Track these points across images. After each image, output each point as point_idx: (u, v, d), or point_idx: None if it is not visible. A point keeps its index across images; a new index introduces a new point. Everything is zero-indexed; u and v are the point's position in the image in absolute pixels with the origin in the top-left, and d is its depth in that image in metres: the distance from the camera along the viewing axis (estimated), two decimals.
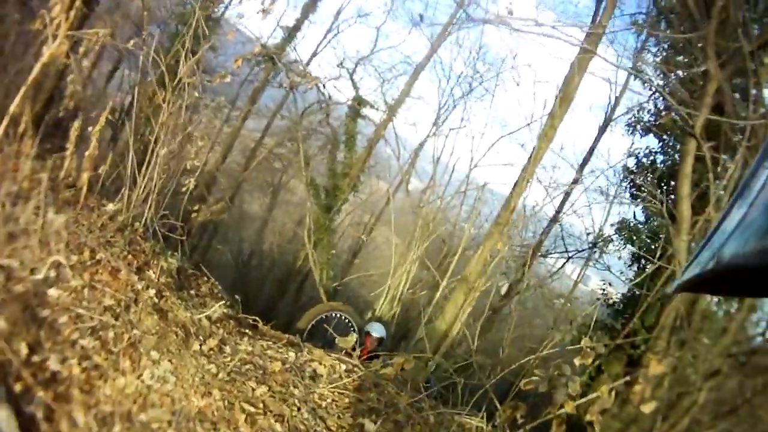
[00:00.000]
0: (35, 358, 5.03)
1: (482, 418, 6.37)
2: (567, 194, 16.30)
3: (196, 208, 12.34)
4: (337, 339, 7.52)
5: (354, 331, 8.75)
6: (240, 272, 17.67)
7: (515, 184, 8.51)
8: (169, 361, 5.61)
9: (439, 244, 14.54)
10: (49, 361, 5.07)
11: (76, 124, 6.87)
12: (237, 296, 7.67)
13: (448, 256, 14.03)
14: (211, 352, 6.03)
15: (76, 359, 5.18)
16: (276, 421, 5.32)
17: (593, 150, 17.15)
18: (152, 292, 6.18)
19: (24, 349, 4.98)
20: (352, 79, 17.00)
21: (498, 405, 6.21)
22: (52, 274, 5.69)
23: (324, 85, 15.91)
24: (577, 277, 17.56)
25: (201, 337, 6.17)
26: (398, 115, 16.95)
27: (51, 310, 5.44)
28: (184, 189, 7.64)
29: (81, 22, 6.97)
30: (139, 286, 6.12)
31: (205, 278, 7.73)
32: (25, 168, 6.29)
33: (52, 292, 5.55)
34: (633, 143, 15.21)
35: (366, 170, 17.08)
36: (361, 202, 19.53)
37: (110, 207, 6.96)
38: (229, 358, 5.91)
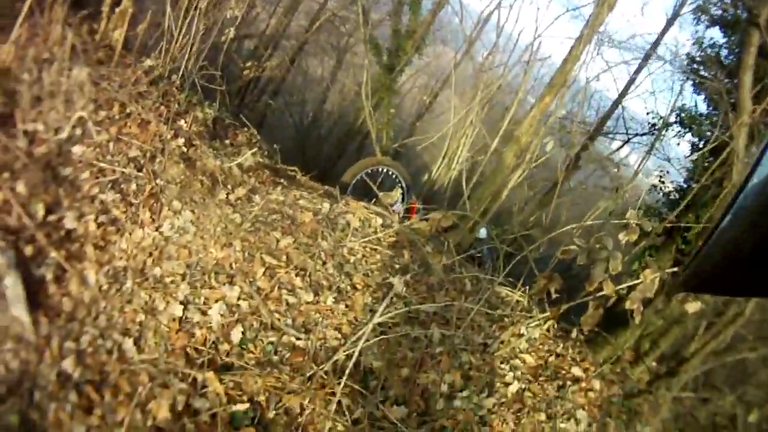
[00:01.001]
0: (51, 218, 4.87)
1: (522, 290, 5.84)
2: (632, 79, 15.40)
3: (248, 64, 11.83)
4: (380, 194, 7.05)
5: (401, 187, 8.17)
6: (300, 133, 17.24)
7: (571, 48, 7.72)
8: (192, 211, 5.31)
9: (502, 113, 13.80)
10: (65, 219, 4.91)
11: None
12: (275, 145, 7.24)
13: (509, 125, 13.44)
14: (238, 201, 5.67)
15: (93, 215, 5.02)
16: (297, 275, 4.94)
17: (659, 40, 15.94)
18: (181, 141, 5.86)
19: (41, 211, 4.82)
20: None
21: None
22: (77, 131, 5.46)
23: None
24: (638, 166, 16.59)
25: (229, 186, 5.82)
26: None
27: (73, 168, 5.24)
28: (223, 39, 7.06)
29: None
30: (168, 136, 5.76)
31: (245, 129, 7.24)
32: (55, 33, 5.84)
33: (76, 150, 5.33)
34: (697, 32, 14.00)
35: (431, 34, 16.15)
36: (425, 65, 18.72)
37: (147, 62, 6.50)
38: (257, 207, 5.47)
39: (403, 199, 7.94)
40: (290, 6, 17.48)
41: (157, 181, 5.39)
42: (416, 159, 17.04)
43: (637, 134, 16.43)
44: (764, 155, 1.07)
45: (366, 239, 5.63)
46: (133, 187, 5.29)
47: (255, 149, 6.72)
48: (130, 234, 4.99)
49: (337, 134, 16.55)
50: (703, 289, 1.56)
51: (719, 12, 12.90)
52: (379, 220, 6.10)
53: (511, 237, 7.62)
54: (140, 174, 5.39)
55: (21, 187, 4.82)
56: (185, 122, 6.11)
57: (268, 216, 5.50)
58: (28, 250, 4.58)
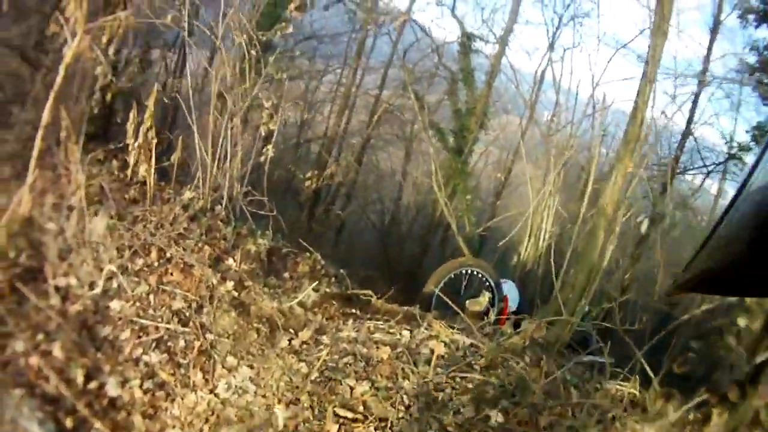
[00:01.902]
0: (92, 385, 4.32)
1: (635, 380, 5.09)
2: (694, 102, 14.30)
3: (309, 175, 11.44)
4: (467, 302, 6.37)
5: (489, 288, 7.44)
6: (380, 234, 16.71)
7: (638, 93, 6.97)
8: (249, 366, 4.71)
9: (578, 173, 13.01)
10: (108, 385, 4.36)
11: (131, 115, 5.97)
12: (342, 270, 6.66)
13: (587, 184, 12.63)
14: (303, 346, 5.04)
15: (138, 380, 4.46)
16: (377, 428, 4.23)
17: (709, 54, 14.54)
18: (230, 284, 5.28)
19: (80, 377, 4.27)
20: (454, 15, 15.64)
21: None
22: (113, 284, 4.94)
23: (428, 27, 14.91)
24: (717, 193, 15.37)
25: (291, 330, 5.18)
26: (510, 45, 15.39)
27: (112, 327, 4.72)
28: (262, 158, 6.58)
29: (105, 11, 6.04)
30: (214, 280, 5.21)
31: (307, 255, 6.67)
32: (75, 175, 5.46)
33: (114, 305, 4.82)
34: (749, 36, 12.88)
35: (491, 106, 15.65)
36: (493, 139, 18.14)
37: (186, 195, 6.05)
38: (325, 352, 4.84)
39: (492, 303, 7.22)
40: (344, 104, 17.36)
41: (207, 335, 4.84)
42: (502, 239, 16.37)
43: (715, 164, 15.19)
44: (764, 156, 1.09)
45: (454, 367, 4.92)
46: (181, 344, 4.76)
47: (318, 280, 6.13)
48: (182, 399, 4.41)
49: (418, 230, 15.95)
50: (703, 289, 1.57)
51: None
52: (467, 340, 5.39)
53: (608, 306, 6.81)
54: (186, 329, 4.86)
55: (57, 351, 4.33)
56: (234, 261, 5.59)
57: (339, 360, 4.86)
58: (69, 422, 4.07)
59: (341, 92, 17.82)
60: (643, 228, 6.56)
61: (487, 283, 7.45)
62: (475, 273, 7.58)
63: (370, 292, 6.37)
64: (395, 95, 16.98)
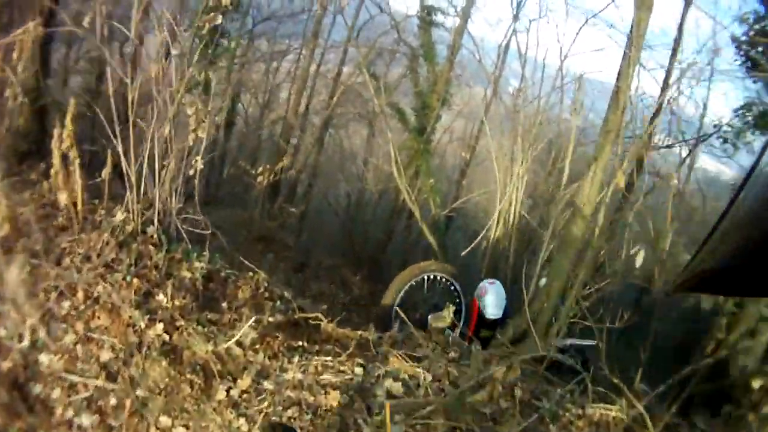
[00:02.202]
0: None
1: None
2: (668, 73, 13.46)
3: (259, 170, 10.64)
4: (429, 317, 5.71)
5: (456, 297, 6.73)
6: (344, 221, 15.94)
7: (619, 76, 6.09)
8: (185, 426, 4.08)
9: (548, 148, 12.31)
10: None
11: (55, 132, 5.19)
12: (286, 293, 5.89)
13: (558, 160, 11.94)
14: (244, 396, 4.37)
15: None
16: None
17: (681, 27, 13.52)
18: (160, 327, 4.62)
19: None
20: None
21: None
22: (40, 334, 4.38)
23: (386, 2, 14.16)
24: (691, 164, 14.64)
25: (229, 376, 4.45)
26: (473, 17, 14.48)
27: (43, 384, 4.18)
28: (192, 171, 5.70)
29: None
30: (143, 323, 4.50)
31: (250, 274, 5.90)
32: None
33: (43, 359, 4.30)
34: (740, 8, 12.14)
35: (454, 80, 14.90)
36: (456, 115, 17.47)
37: (117, 217, 5.26)
38: (267, 403, 4.16)
39: (459, 314, 6.55)
40: (302, 85, 16.65)
41: (138, 391, 4.16)
42: (471, 221, 15.70)
43: (701, 137, 14.44)
44: (763, 156, 1.31)
45: (414, 415, 4.25)
46: (112, 402, 4.15)
47: (261, 306, 5.40)
48: None
49: (382, 214, 15.21)
50: (703, 288, 1.57)
51: None
52: (429, 376, 4.73)
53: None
54: (116, 386, 4.22)
55: None
56: (165, 296, 4.85)
57: (282, 412, 4.20)
58: None
59: (300, 74, 17.03)
60: (639, 260, 5.86)
61: (453, 289, 6.74)
62: (438, 278, 6.87)
63: (319, 315, 5.63)
64: (355, 74, 16.14)
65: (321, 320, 5.63)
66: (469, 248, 8.84)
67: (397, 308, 6.37)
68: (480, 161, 17.26)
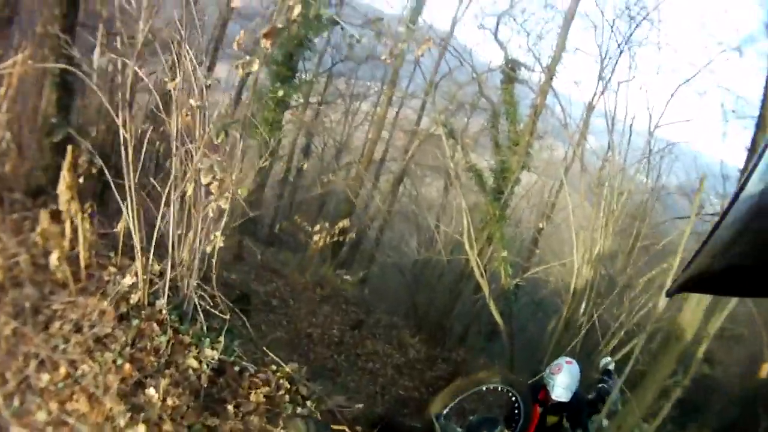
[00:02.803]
0: None
1: None
2: None
3: (316, 229, 9.89)
4: None
5: (516, 406, 5.67)
6: (408, 282, 15.05)
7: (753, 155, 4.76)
8: None
9: (629, 222, 11.32)
10: None
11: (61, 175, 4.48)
12: (317, 388, 4.92)
13: (639, 239, 10.90)
14: None
15: None
16: None
17: None
18: (142, 430, 3.69)
19: None
20: (497, 39, 14.03)
21: None
22: (16, 402, 3.82)
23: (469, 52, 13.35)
24: None
25: None
26: (557, 75, 13.55)
27: None
28: (214, 245, 4.73)
29: None
30: (122, 421, 3.78)
31: (274, 368, 4.88)
32: None
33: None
34: None
35: (536, 142, 13.97)
36: (535, 181, 16.53)
37: (126, 280, 4.48)
38: None
39: (516, 426, 5.53)
40: (377, 133, 16.08)
41: None
42: (540, 289, 14.69)
43: None
44: (761, 158, 1.08)
45: None
46: None
47: (280, 412, 4.40)
48: None
49: (450, 278, 14.22)
50: (704, 289, 1.55)
51: None
52: None
53: None
54: None
55: None
56: (157, 391, 3.97)
57: None
58: None
59: (376, 120, 16.46)
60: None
61: (513, 399, 5.67)
62: (499, 389, 5.86)
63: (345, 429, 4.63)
64: (434, 126, 15.41)
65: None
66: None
67: (442, 422, 5.37)
68: (555, 227, 16.34)
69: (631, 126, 12.07)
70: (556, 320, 10.10)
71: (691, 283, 1.29)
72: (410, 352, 12.45)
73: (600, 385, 9.34)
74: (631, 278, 10.29)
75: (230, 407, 4.15)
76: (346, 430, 4.49)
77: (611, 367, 10.15)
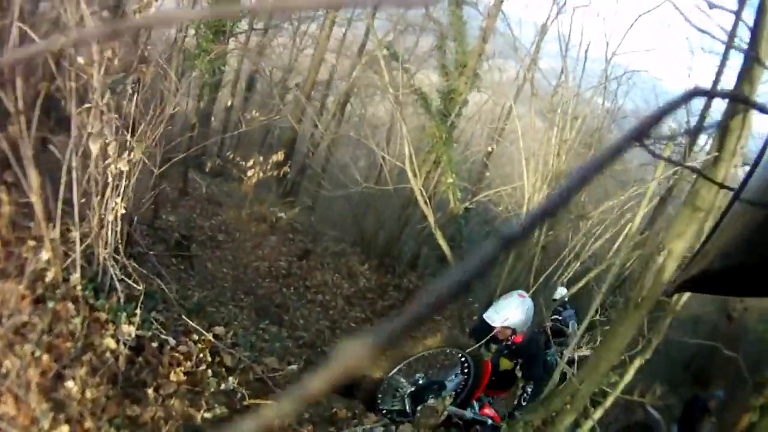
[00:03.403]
0: None
1: None
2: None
3: (250, 164, 9.28)
4: (418, 411, 4.35)
5: (466, 368, 5.21)
6: (355, 208, 14.65)
7: (739, 87, 3.91)
8: None
9: (584, 148, 10.96)
10: None
11: None
12: (243, 356, 4.38)
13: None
14: None
15: None
16: None
17: None
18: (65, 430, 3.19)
19: None
20: None
21: None
22: None
23: None
24: None
25: None
26: None
27: None
28: (111, 217, 4.06)
29: None
30: (46, 423, 3.28)
31: (199, 338, 4.29)
32: None
33: None
34: None
35: (485, 62, 13.44)
36: (485, 102, 16.05)
37: (43, 256, 3.84)
38: None
39: (461, 398, 5.11)
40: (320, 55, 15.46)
41: None
42: (491, 218, 14.38)
43: None
44: (761, 159, 1.10)
45: None
46: None
47: (195, 404, 3.82)
48: None
49: (397, 204, 13.73)
50: (704, 289, 1.56)
51: None
52: None
53: None
54: None
55: None
56: (74, 382, 3.42)
57: None
58: None
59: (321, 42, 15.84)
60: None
61: (464, 362, 5.21)
62: (447, 352, 5.41)
63: (275, 403, 4.05)
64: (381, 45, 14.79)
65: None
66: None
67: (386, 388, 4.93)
68: (505, 150, 15.98)
69: (586, 51, 11.52)
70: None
71: (690, 283, 1.31)
72: (360, 281, 12.26)
73: (554, 317, 9.13)
74: (585, 207, 9.94)
75: (150, 391, 3.62)
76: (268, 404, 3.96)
77: (565, 298, 9.95)
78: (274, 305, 9.44)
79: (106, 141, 3.56)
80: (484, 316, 5.10)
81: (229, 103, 16.04)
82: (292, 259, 11.39)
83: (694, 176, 4.23)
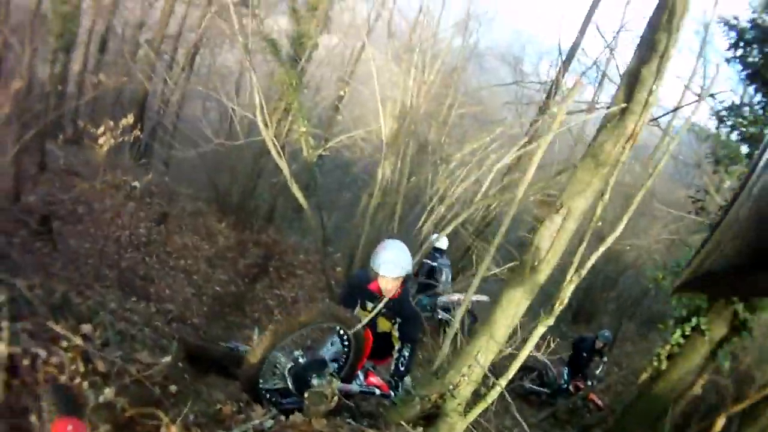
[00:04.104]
0: None
1: None
2: None
3: (100, 130, 8.39)
4: (306, 396, 3.88)
5: (347, 345, 4.76)
6: (208, 163, 13.81)
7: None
8: None
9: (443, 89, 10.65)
10: None
11: None
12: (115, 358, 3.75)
13: (454, 106, 10.25)
14: None
15: None
16: None
17: None
18: None
19: None
20: None
21: None
22: None
23: None
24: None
25: None
26: None
27: None
28: None
29: None
30: None
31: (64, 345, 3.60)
32: None
33: None
34: None
35: (335, 4, 12.93)
36: (335, 45, 15.50)
37: None
38: None
39: (345, 366, 4.69)
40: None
41: None
42: (346, 163, 14.05)
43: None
44: (761, 159, 1.08)
45: None
46: None
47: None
48: None
49: (248, 156, 13.06)
50: (705, 289, 1.72)
51: None
52: None
53: None
54: None
55: None
56: None
57: None
58: None
59: None
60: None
61: (343, 336, 4.75)
62: (325, 327, 4.92)
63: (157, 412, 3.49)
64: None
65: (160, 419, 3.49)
66: None
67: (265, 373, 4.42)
68: (359, 93, 15.53)
69: None
70: (366, 198, 9.34)
71: (694, 282, 1.34)
72: (219, 240, 11.87)
73: (426, 260, 8.93)
74: (445, 149, 9.70)
75: (34, 419, 2.93)
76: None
77: (442, 244, 9.75)
78: (138, 278, 8.93)
79: None
80: (380, 270, 4.65)
81: (81, 66, 14.87)
82: (150, 225, 10.91)
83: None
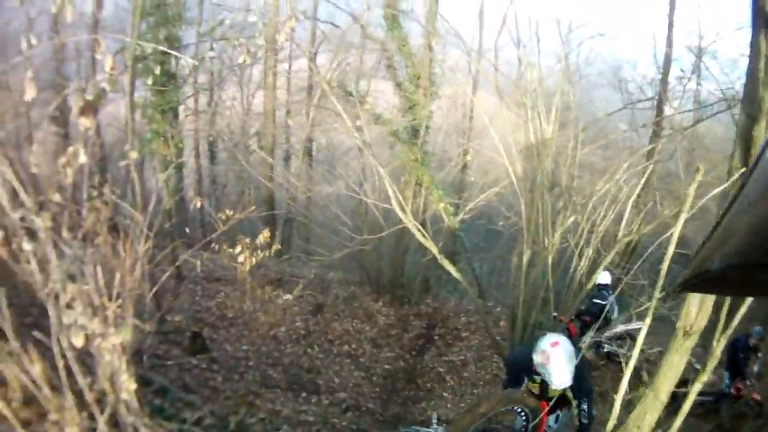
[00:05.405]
0: None
1: None
2: None
3: (237, 250, 8.57)
4: None
5: (524, 417, 4.72)
6: (351, 253, 13.86)
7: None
8: None
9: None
10: None
11: None
12: None
13: (578, 146, 9.92)
14: None
15: None
16: None
17: None
18: None
19: None
20: None
21: None
22: None
23: None
24: None
25: None
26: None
27: None
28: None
29: None
30: None
31: None
32: None
33: None
34: None
35: (436, 67, 12.85)
36: (449, 109, 15.61)
37: None
38: None
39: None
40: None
41: None
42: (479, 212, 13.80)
43: None
44: (761, 158, 1.04)
45: None
46: None
47: None
48: None
49: (391, 236, 13.05)
50: (707, 288, 1.60)
51: None
52: None
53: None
54: None
55: None
56: None
57: None
58: None
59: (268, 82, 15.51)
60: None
61: (524, 417, 4.72)
62: (507, 410, 4.89)
63: None
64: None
65: None
66: None
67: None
68: (480, 146, 15.40)
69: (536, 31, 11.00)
70: (517, 256, 9.11)
71: (695, 281, 1.30)
72: (379, 320, 11.88)
73: (595, 301, 8.80)
74: (576, 186, 9.44)
75: None
76: None
77: (605, 279, 9.49)
78: (304, 371, 9.05)
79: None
80: (547, 381, 4.63)
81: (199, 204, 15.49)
82: (307, 317, 11.00)
83: None
